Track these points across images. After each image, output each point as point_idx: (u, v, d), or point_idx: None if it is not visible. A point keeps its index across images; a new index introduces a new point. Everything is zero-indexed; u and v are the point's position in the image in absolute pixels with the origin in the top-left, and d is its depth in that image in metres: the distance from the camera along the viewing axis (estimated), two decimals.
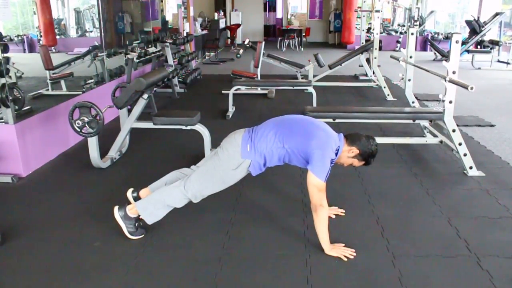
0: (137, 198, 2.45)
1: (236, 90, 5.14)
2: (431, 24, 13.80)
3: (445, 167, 3.41)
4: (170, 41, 6.68)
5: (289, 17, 16.63)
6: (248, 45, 7.27)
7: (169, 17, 8.57)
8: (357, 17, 11.77)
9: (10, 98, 3.04)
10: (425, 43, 12.27)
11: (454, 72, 3.11)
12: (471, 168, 3.24)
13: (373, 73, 6.63)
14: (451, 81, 3.11)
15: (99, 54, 4.83)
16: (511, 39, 11.55)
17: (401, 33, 12.80)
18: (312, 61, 6.89)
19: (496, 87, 7.04)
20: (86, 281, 1.95)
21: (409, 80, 4.31)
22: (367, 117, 3.52)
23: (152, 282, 1.96)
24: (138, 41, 6.35)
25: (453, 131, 3.26)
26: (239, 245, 2.26)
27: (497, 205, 2.74)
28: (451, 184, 3.08)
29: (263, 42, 6.50)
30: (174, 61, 6.71)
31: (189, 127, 3.27)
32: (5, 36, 3.83)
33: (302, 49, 12.73)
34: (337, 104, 5.74)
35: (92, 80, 4.69)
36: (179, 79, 6.48)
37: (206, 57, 10.62)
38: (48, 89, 4.10)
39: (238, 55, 7.28)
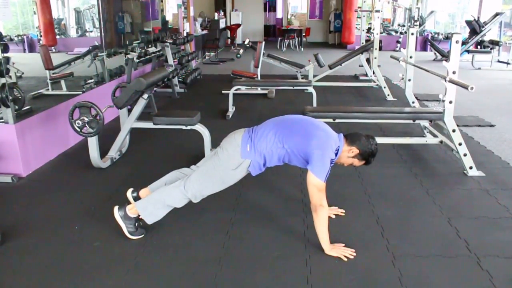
0: (137, 198, 2.45)
1: (236, 90, 5.14)
2: (431, 24, 13.81)
3: (445, 167, 3.41)
4: (170, 41, 6.69)
5: (289, 17, 16.62)
6: (248, 45, 7.27)
7: (169, 17, 8.57)
8: (357, 17, 11.77)
9: (10, 98, 3.04)
10: (425, 43, 12.28)
11: (454, 72, 3.11)
12: (471, 168, 3.24)
13: (373, 73, 6.62)
14: (451, 81, 3.11)
15: (99, 54, 4.83)
16: (511, 39, 11.54)
17: (401, 33, 12.80)
18: (312, 61, 6.89)
19: (496, 87, 7.04)
20: (86, 281, 1.95)
21: (409, 80, 4.30)
22: (367, 117, 3.52)
23: (152, 282, 1.96)
24: (138, 41, 6.35)
25: (453, 131, 3.26)
26: (239, 245, 2.26)
27: (497, 205, 2.74)
28: (451, 184, 3.08)
29: (263, 42, 6.49)
30: (174, 61, 6.71)
31: (189, 127, 3.28)
32: (5, 36, 3.83)
33: (302, 49, 12.73)
34: (337, 104, 5.73)
35: (92, 80, 4.69)
36: (179, 79, 6.48)
37: (206, 57, 10.62)
38: (48, 89, 4.10)
39: (238, 55, 7.27)
